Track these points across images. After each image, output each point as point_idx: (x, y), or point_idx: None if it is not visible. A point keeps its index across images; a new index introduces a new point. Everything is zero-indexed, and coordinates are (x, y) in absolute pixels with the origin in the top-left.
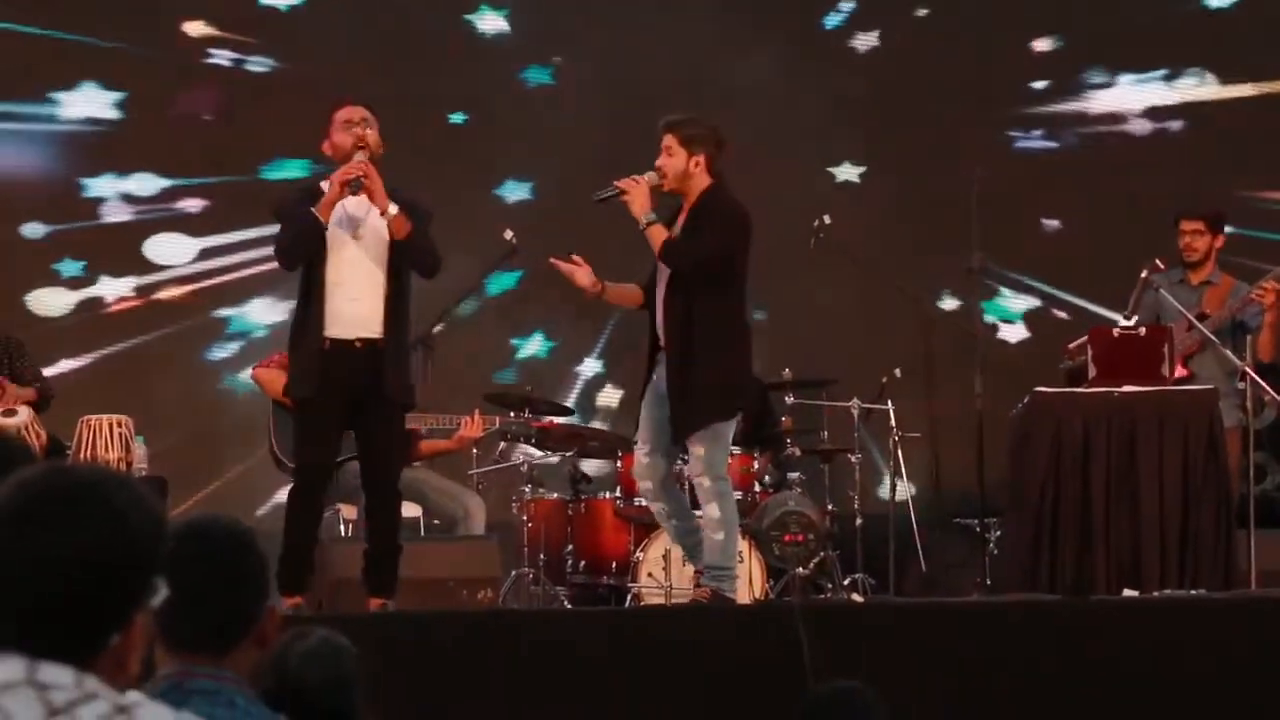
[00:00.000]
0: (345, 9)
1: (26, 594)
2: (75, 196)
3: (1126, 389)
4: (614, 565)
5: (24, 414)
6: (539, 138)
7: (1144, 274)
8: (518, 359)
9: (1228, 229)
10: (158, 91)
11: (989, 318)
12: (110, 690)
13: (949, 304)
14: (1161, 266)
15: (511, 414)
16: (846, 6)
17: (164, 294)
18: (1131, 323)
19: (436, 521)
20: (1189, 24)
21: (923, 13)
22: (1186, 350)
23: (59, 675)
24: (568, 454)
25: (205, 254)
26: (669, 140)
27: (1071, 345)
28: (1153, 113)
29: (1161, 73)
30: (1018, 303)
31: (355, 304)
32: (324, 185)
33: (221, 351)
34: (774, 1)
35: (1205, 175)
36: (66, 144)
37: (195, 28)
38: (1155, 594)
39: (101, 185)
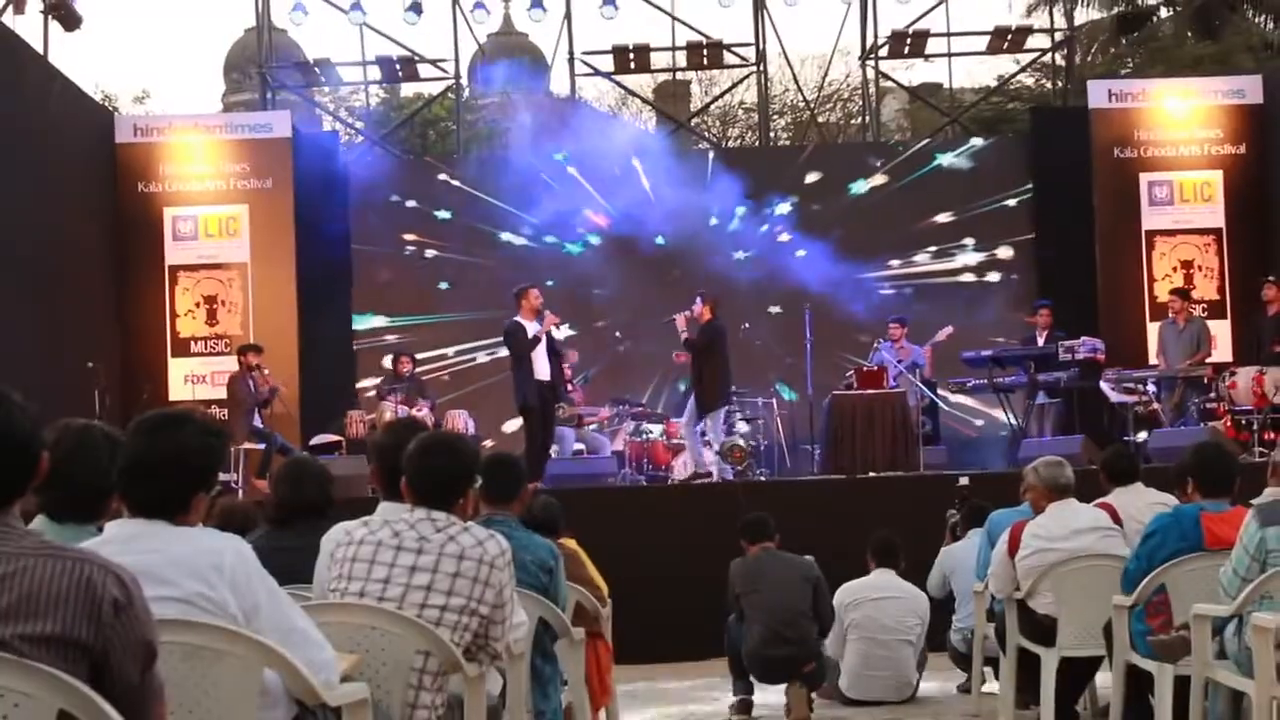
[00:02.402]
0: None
1: (424, 483)
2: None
3: (868, 392)
4: (665, 467)
5: (425, 410)
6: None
7: (875, 344)
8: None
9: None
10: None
11: None
12: (460, 520)
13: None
14: (883, 340)
15: (622, 406)
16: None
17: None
18: (871, 365)
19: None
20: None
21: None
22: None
23: (439, 514)
24: (643, 422)
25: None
26: (699, 298)
27: (848, 373)
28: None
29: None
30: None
31: (540, 365)
32: (525, 323)
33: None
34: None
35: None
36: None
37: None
38: (883, 474)
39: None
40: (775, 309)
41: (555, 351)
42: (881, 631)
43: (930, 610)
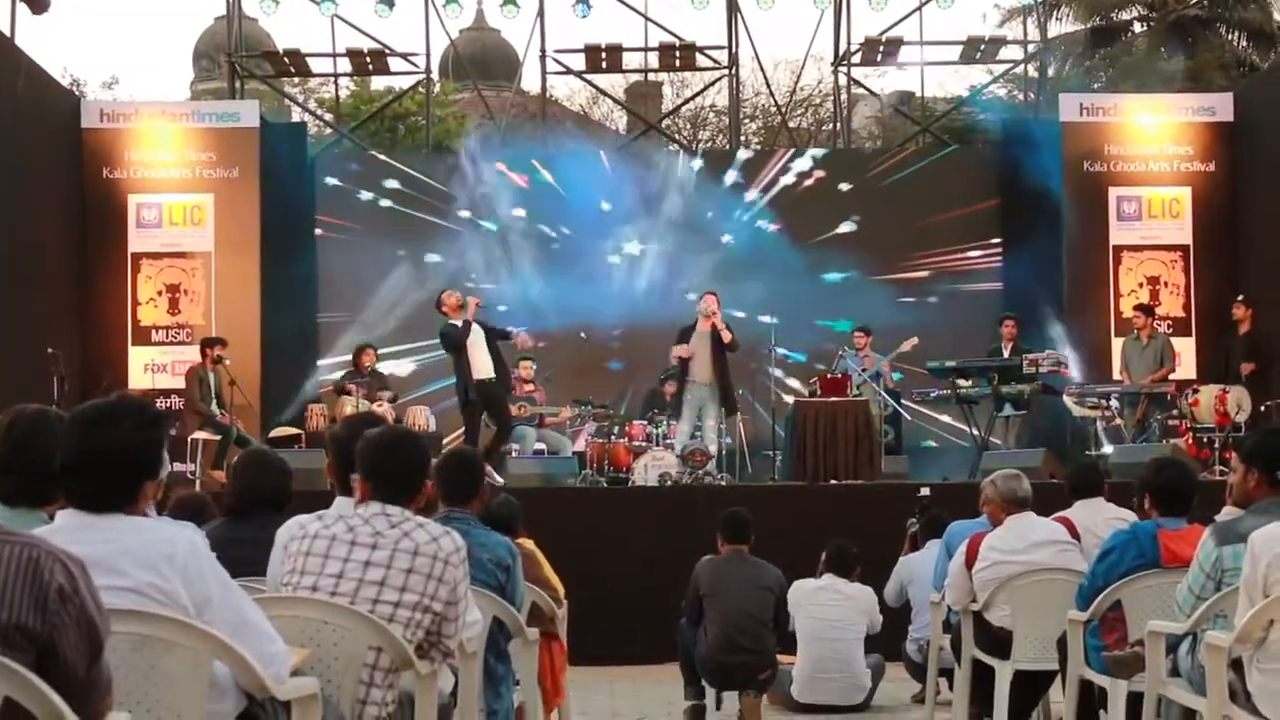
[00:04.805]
0: None
1: (382, 476)
2: None
3: (831, 399)
4: (625, 468)
5: (386, 406)
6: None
7: (839, 351)
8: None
9: None
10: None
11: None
12: (415, 516)
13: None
14: (847, 348)
15: (584, 407)
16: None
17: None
18: (835, 371)
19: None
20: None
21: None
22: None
23: (394, 509)
24: (605, 423)
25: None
26: (713, 296)
27: (813, 380)
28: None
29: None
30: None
31: (480, 362)
32: (454, 321)
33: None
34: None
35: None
36: None
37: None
38: (844, 481)
39: None
40: (740, 314)
41: (500, 338)
42: (829, 632)
43: (885, 618)
